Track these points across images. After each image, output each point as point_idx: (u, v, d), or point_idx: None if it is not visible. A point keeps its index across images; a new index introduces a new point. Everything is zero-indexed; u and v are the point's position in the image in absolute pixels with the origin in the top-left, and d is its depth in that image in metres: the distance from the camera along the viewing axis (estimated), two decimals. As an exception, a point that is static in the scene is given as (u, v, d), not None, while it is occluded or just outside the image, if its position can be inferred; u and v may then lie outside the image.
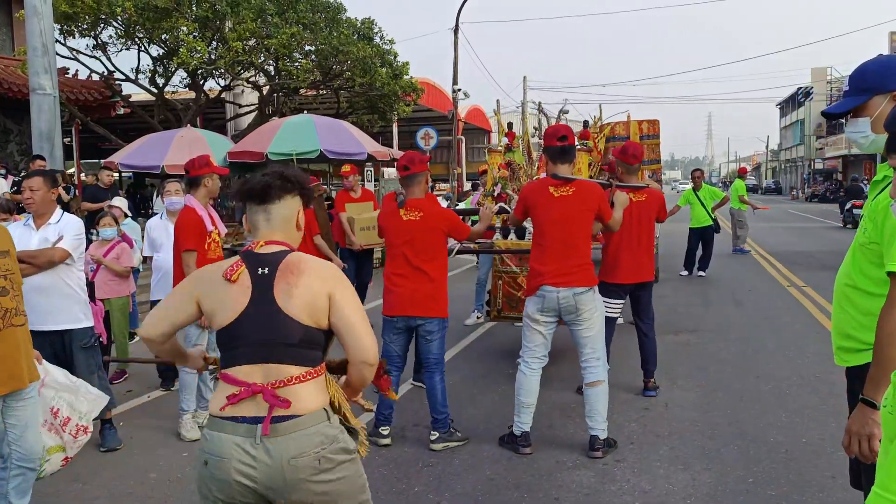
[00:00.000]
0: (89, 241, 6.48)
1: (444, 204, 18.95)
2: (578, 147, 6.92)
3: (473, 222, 7.15)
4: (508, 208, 6.34)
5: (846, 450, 2.31)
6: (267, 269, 2.23)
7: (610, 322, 5.83)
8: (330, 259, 7.99)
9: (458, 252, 6.15)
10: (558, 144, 4.72)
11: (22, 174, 10.11)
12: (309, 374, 2.21)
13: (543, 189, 4.75)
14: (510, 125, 7.61)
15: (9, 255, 3.54)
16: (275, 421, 2.13)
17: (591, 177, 7.32)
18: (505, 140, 7.54)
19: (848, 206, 22.86)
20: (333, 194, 13.98)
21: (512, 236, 6.74)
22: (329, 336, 2.31)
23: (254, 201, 2.32)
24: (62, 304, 4.74)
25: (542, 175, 6.72)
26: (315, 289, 2.22)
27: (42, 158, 9.99)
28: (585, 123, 8.61)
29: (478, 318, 8.78)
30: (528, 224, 6.34)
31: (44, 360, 3.92)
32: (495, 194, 7.14)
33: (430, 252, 4.80)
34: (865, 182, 25.18)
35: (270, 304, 2.20)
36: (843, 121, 2.64)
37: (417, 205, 4.82)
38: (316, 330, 2.23)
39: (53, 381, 3.88)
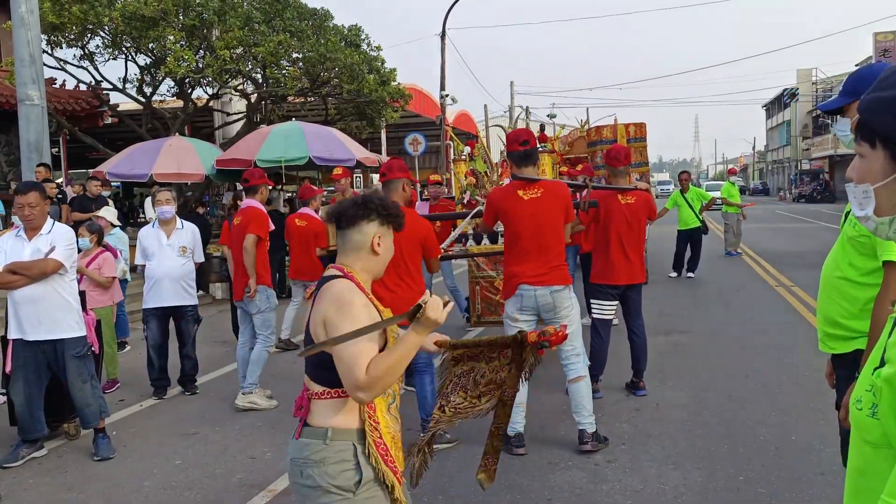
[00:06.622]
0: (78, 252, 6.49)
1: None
2: (540, 150, 7.05)
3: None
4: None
5: (843, 422, 2.59)
6: (317, 292, 2.37)
7: (605, 324, 5.89)
8: None
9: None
10: (521, 149, 4.82)
11: (11, 183, 10.09)
12: (326, 394, 2.30)
13: (512, 193, 4.82)
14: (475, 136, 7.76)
15: None
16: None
17: (572, 178, 7.43)
18: (467, 149, 7.63)
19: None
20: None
21: (485, 241, 6.80)
22: None
23: (336, 227, 2.44)
24: (55, 313, 4.76)
25: (507, 181, 6.83)
26: (320, 313, 2.28)
27: (47, 166, 9.96)
28: (542, 127, 8.73)
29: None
30: (499, 227, 6.43)
31: None
32: (465, 202, 7.22)
33: (412, 258, 4.77)
34: None
35: (308, 325, 2.37)
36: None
37: None
38: (327, 353, 2.26)
39: None
